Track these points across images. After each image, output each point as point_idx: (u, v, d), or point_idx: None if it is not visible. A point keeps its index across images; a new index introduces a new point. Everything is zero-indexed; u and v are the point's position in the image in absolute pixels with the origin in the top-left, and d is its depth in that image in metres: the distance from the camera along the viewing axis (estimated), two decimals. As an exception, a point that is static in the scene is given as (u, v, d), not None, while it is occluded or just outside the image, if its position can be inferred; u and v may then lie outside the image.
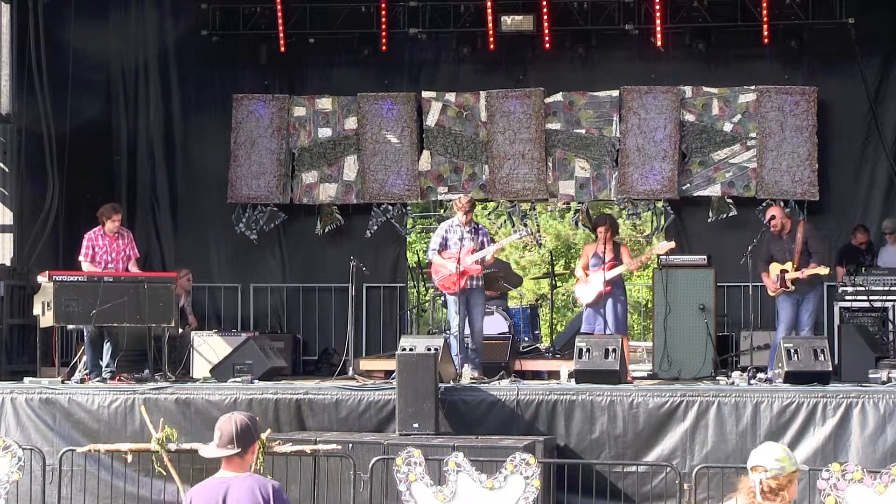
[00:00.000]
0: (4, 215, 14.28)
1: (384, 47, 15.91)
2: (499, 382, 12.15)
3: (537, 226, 16.33)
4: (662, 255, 13.81)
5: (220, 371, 12.80)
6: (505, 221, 16.31)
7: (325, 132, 16.21)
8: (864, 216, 15.23)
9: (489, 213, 16.57)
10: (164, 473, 10.17)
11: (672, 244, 13.61)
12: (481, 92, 15.92)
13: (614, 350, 11.93)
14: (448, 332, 13.06)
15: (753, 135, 15.37)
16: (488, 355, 13.17)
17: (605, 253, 12.95)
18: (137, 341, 12.99)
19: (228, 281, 16.33)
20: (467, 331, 12.78)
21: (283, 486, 6.14)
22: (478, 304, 12.83)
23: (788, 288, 12.87)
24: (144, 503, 11.40)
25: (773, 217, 13.25)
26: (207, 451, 5.80)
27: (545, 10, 15.44)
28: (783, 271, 12.88)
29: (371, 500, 10.15)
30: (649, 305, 16.02)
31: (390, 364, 12.69)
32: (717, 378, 12.84)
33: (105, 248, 12.71)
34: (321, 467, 10.45)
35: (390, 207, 16.15)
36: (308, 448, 10.21)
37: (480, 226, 13.27)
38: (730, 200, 15.46)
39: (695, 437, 11.01)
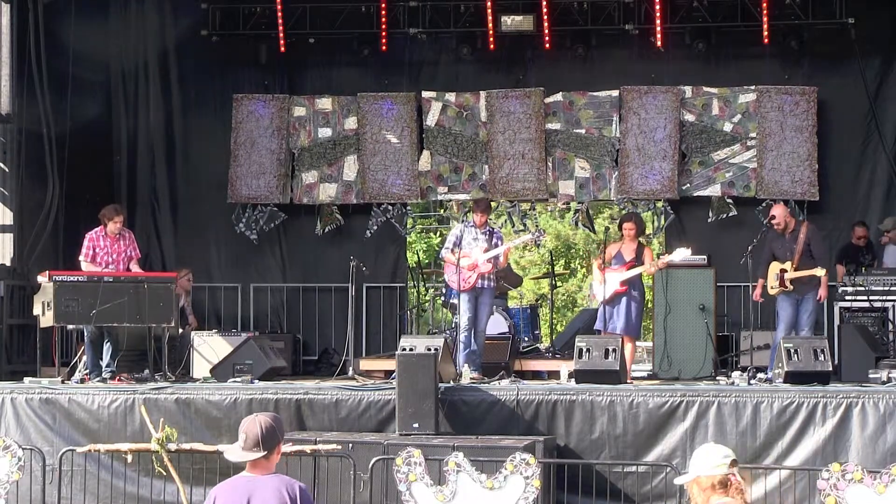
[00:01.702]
0: (4, 215, 14.28)
1: (384, 47, 15.90)
2: (499, 382, 12.14)
3: (536, 225, 16.33)
4: (679, 260, 13.68)
5: (220, 371, 12.79)
6: (505, 221, 16.31)
7: (325, 132, 16.20)
8: (863, 216, 15.20)
9: (489, 213, 16.56)
10: (164, 473, 10.18)
11: (688, 250, 13.52)
12: (481, 92, 15.91)
13: (614, 350, 11.93)
14: (448, 331, 13.03)
15: (753, 135, 15.37)
16: (488, 355, 13.18)
17: (627, 252, 13.02)
18: (137, 341, 12.99)
19: (228, 281, 16.32)
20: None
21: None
22: (485, 304, 12.89)
23: (787, 287, 12.87)
24: (144, 503, 11.40)
25: (773, 217, 13.25)
26: (232, 454, 5.70)
27: (545, 10, 15.42)
28: (782, 271, 12.89)
29: (371, 500, 10.15)
30: (649, 305, 15.98)
31: (390, 364, 12.68)
32: (717, 378, 12.82)
33: (106, 249, 12.71)
34: (321, 467, 10.45)
35: (390, 207, 16.14)
36: (308, 448, 10.21)
37: (495, 229, 13.31)
38: (730, 200, 15.46)
39: (695, 437, 10.99)
